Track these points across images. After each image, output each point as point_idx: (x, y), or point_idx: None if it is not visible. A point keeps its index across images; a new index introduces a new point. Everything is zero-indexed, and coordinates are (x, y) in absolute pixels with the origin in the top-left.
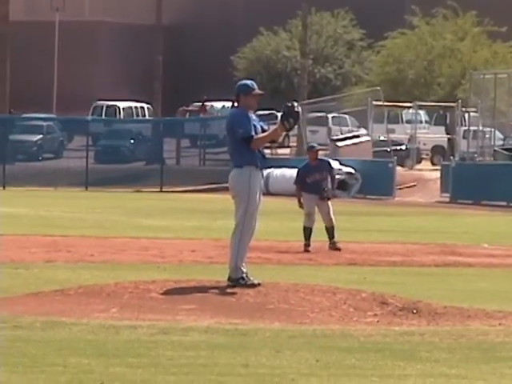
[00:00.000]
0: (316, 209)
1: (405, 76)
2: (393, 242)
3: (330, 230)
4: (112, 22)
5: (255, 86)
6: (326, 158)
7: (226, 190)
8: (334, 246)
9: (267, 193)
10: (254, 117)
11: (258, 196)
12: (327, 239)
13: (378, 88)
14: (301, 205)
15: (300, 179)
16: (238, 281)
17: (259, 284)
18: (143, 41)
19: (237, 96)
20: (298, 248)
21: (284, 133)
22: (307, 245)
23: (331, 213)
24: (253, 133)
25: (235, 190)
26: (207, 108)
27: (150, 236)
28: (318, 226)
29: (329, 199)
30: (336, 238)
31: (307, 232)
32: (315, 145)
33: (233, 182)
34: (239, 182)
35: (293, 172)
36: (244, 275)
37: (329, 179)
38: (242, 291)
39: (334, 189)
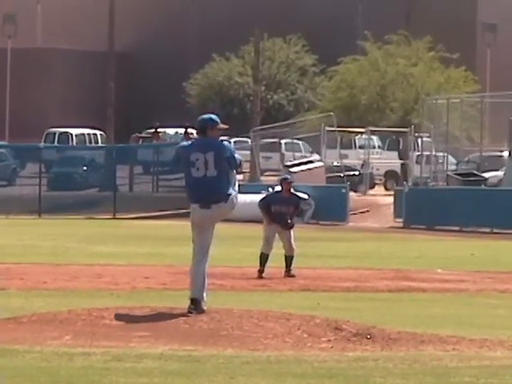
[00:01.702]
0: (276, 236)
1: (357, 101)
2: (346, 267)
3: (289, 259)
4: (64, 48)
5: (219, 120)
6: (298, 194)
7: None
8: (288, 274)
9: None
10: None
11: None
12: (283, 266)
13: (331, 113)
14: (268, 221)
15: (265, 205)
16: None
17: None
18: (96, 67)
19: (203, 129)
20: (252, 274)
21: None
22: (261, 271)
23: (293, 241)
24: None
25: (213, 220)
26: (160, 134)
27: (103, 263)
28: (277, 251)
29: (291, 228)
30: (292, 266)
31: (263, 258)
32: (289, 177)
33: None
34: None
35: (246, 198)
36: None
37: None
38: (195, 318)
39: (302, 220)
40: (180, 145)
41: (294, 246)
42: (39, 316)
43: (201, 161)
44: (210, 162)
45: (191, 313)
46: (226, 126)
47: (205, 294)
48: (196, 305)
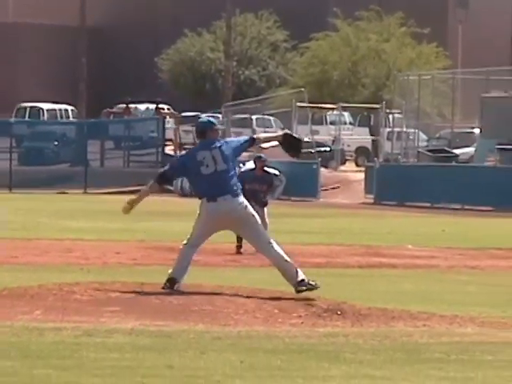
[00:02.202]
0: None
1: (329, 77)
2: (317, 243)
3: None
4: (36, 23)
5: (215, 121)
6: (272, 171)
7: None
8: None
9: (191, 194)
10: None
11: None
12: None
13: (303, 89)
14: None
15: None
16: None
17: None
18: (67, 43)
19: (203, 132)
20: (224, 250)
21: None
22: (239, 246)
23: (266, 218)
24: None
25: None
26: (131, 110)
27: (74, 238)
28: None
29: (265, 205)
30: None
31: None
32: (263, 156)
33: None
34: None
35: None
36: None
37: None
38: (166, 293)
39: (272, 197)
40: (177, 157)
41: (267, 223)
42: (10, 291)
43: (208, 158)
44: (218, 157)
45: (163, 289)
46: (222, 127)
47: (184, 278)
48: (171, 284)
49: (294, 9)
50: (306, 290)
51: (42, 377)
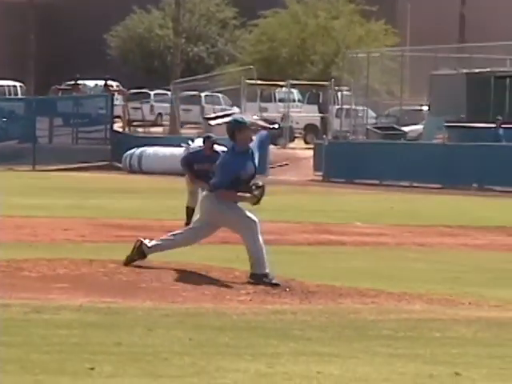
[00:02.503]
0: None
1: (278, 54)
2: (266, 220)
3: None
4: None
5: (245, 119)
6: (221, 149)
7: (97, 168)
8: None
9: (140, 171)
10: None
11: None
12: None
13: (251, 67)
14: (192, 178)
15: (187, 164)
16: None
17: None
18: (16, 19)
19: (232, 133)
20: (171, 226)
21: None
22: (188, 223)
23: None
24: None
25: None
26: (80, 87)
27: (23, 215)
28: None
29: None
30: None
31: (189, 211)
32: (212, 135)
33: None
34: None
35: (166, 150)
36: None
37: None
38: (114, 270)
39: None
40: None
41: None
42: None
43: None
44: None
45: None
46: (252, 124)
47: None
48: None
49: None
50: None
51: None
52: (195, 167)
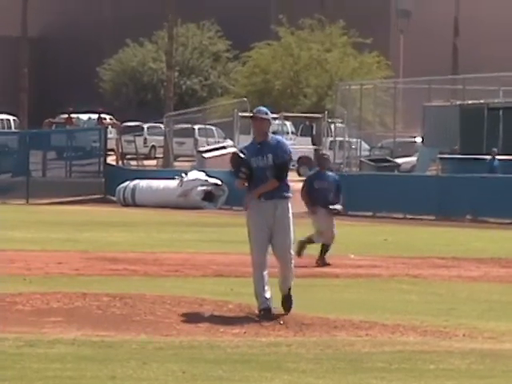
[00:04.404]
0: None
1: (271, 87)
2: None
3: (326, 247)
4: None
5: (262, 110)
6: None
7: (91, 201)
8: (323, 262)
9: (133, 204)
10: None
11: (260, 228)
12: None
13: (245, 99)
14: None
15: (309, 184)
16: (260, 311)
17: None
18: (9, 52)
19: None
20: (165, 259)
21: (241, 185)
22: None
23: (334, 229)
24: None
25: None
26: (73, 120)
27: (16, 248)
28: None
29: (336, 214)
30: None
31: (324, 248)
32: (327, 154)
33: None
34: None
35: (159, 183)
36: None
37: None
38: (108, 303)
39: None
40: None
41: (334, 234)
42: None
43: None
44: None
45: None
46: (257, 116)
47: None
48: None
49: (236, 19)
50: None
51: None
52: (316, 186)
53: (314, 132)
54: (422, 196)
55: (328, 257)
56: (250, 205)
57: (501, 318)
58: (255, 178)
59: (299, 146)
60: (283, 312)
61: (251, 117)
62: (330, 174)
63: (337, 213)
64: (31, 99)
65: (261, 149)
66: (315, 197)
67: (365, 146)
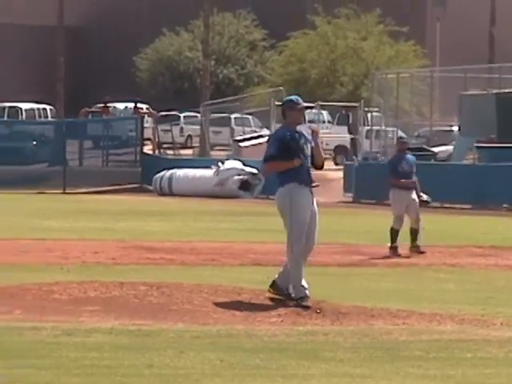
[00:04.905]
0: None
1: (307, 76)
2: None
3: (415, 232)
4: (15, 23)
5: (300, 100)
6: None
7: (128, 190)
8: (417, 250)
9: (170, 193)
10: (303, 131)
11: (305, 213)
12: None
13: (281, 88)
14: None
15: (393, 167)
16: (298, 300)
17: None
18: (45, 42)
19: (283, 112)
20: (202, 249)
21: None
22: (395, 247)
23: (419, 213)
24: (269, 156)
25: (279, 209)
26: (110, 109)
27: (53, 237)
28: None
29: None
30: (419, 242)
31: (394, 233)
32: (405, 137)
33: (276, 201)
34: (281, 200)
35: (196, 172)
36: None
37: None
38: (145, 292)
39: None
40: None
41: (420, 218)
42: None
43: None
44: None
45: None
46: (304, 105)
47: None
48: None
49: (272, 8)
50: (296, 303)
51: (21, 376)
52: (399, 169)
53: (351, 121)
54: (458, 185)
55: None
56: (297, 191)
57: None
58: (304, 164)
59: (336, 135)
60: (320, 300)
61: (292, 107)
62: (409, 156)
63: (425, 203)
64: (67, 88)
65: (303, 136)
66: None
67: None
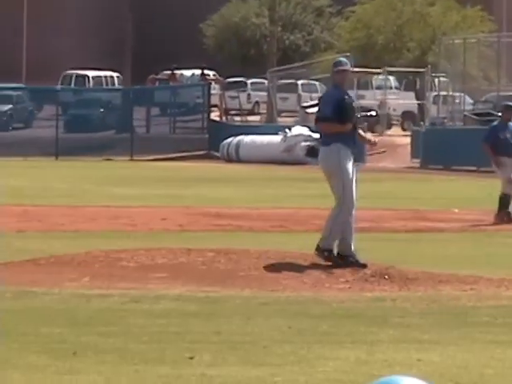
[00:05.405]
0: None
1: (374, 41)
2: (363, 207)
3: (507, 198)
4: None
5: (343, 63)
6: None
7: (195, 157)
8: (509, 217)
9: (237, 160)
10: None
11: (352, 174)
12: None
13: (348, 54)
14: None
15: (492, 136)
16: (323, 251)
17: (364, 265)
18: (112, 10)
19: (332, 72)
20: (270, 215)
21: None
22: (503, 214)
23: None
24: (324, 117)
25: (327, 168)
26: (177, 76)
27: (121, 205)
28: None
29: None
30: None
31: (505, 198)
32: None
33: (323, 162)
34: (329, 159)
35: (263, 139)
36: (334, 252)
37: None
38: (213, 259)
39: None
40: None
41: None
42: (57, 258)
43: None
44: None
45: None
46: (344, 68)
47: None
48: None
49: None
50: (318, 253)
51: (89, 343)
52: (501, 136)
53: (418, 86)
54: None
55: (441, 211)
56: (342, 152)
57: None
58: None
59: (403, 101)
60: (388, 266)
61: (337, 69)
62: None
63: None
64: (134, 56)
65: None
66: (500, 147)
67: (468, 100)
